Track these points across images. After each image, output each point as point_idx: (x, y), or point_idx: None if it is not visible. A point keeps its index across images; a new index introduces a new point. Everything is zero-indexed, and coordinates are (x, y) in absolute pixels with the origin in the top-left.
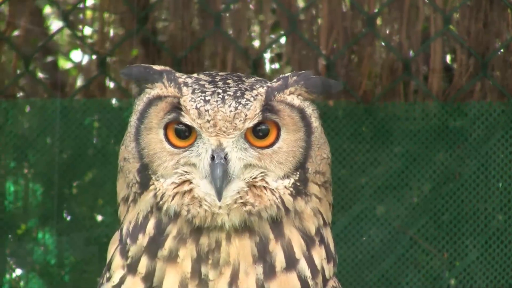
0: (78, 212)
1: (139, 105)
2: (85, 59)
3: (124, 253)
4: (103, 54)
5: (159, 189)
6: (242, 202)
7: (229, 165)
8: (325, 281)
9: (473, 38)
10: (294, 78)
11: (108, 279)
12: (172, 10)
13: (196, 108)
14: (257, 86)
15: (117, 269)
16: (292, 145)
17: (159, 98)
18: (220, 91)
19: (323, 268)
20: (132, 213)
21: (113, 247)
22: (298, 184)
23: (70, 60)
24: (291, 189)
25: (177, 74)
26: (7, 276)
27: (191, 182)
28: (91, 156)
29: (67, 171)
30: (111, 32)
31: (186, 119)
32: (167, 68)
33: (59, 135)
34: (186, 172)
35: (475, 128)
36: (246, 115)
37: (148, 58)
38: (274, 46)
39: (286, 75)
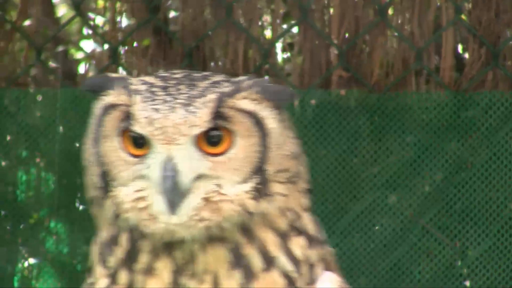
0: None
1: (97, 111)
2: (97, 49)
3: (103, 262)
4: (115, 43)
5: (117, 197)
6: (198, 218)
7: (179, 176)
8: (312, 267)
9: (484, 27)
10: (246, 83)
11: (91, 284)
12: (184, 0)
13: (146, 117)
14: (208, 92)
15: (101, 277)
16: (247, 150)
17: (112, 106)
18: (169, 98)
19: (307, 256)
20: (102, 219)
21: (95, 251)
22: (259, 186)
23: (81, 49)
24: (252, 192)
25: (131, 80)
26: (19, 265)
27: (145, 199)
28: None
29: (79, 160)
30: (123, 22)
31: (136, 127)
32: (123, 75)
33: (71, 124)
34: (141, 189)
35: (487, 117)
36: (194, 122)
37: (160, 48)
38: (285, 35)
39: (238, 79)
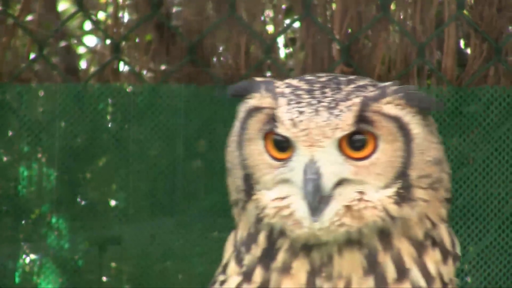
0: (91, 197)
1: (241, 114)
2: (99, 44)
3: (238, 260)
4: (117, 39)
5: (261, 201)
6: (340, 223)
7: (321, 180)
8: (444, 284)
9: (486, 22)
10: (393, 88)
11: (222, 282)
12: None
13: (290, 119)
14: (353, 96)
15: (233, 275)
16: (391, 155)
17: (257, 109)
18: (315, 101)
19: (440, 272)
20: (243, 221)
21: (229, 250)
22: (402, 191)
23: (83, 45)
24: (395, 197)
25: (276, 83)
26: (21, 261)
27: (289, 206)
28: (105, 141)
29: (81, 155)
30: (125, 17)
31: (280, 130)
32: (268, 79)
33: (73, 120)
34: (285, 196)
35: (488, 113)
36: (337, 125)
37: (162, 43)
38: (288, 31)
39: (384, 84)
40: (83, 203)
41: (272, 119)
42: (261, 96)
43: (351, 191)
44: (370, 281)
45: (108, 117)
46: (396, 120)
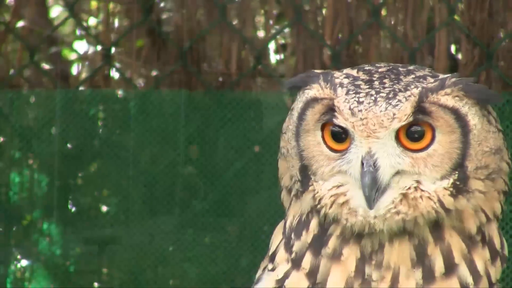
0: (83, 203)
1: (298, 105)
2: (90, 50)
3: (288, 247)
4: (108, 44)
5: (318, 192)
6: (395, 211)
7: (378, 172)
8: (491, 284)
9: (477, 28)
10: (453, 80)
11: (272, 270)
12: (177, 1)
13: (350, 109)
14: (412, 86)
15: (282, 262)
16: (448, 147)
17: (315, 100)
18: (373, 92)
19: (487, 272)
20: (295, 208)
21: (278, 238)
22: (458, 183)
23: (74, 51)
24: (451, 189)
25: (335, 74)
26: (12, 266)
27: (345, 195)
28: (96, 147)
29: (72, 161)
30: (116, 23)
31: (339, 120)
32: (327, 71)
33: (64, 125)
34: (341, 184)
35: None
36: (394, 114)
37: (153, 49)
38: (278, 36)
39: (444, 76)
40: (74, 209)
41: (331, 109)
42: (320, 87)
43: (408, 181)
44: (418, 274)
45: (99, 123)
46: (454, 111)
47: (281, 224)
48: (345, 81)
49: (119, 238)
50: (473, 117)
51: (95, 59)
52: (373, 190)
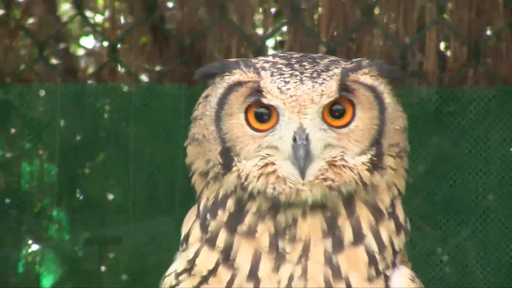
0: (90, 192)
1: (217, 90)
2: (97, 46)
3: (204, 227)
4: (114, 41)
5: (243, 171)
6: (323, 178)
7: (311, 145)
8: (395, 253)
9: (466, 26)
10: (367, 61)
11: (183, 251)
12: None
13: (278, 88)
14: (332, 67)
15: (195, 242)
16: (367, 123)
17: (239, 83)
18: (297, 73)
19: (392, 242)
20: (211, 190)
21: (190, 221)
22: (374, 159)
23: (82, 47)
24: (368, 164)
25: (253, 60)
26: (24, 251)
27: (274, 164)
28: (103, 138)
29: (80, 152)
30: (121, 20)
31: (267, 100)
32: (242, 59)
33: (73, 118)
34: (268, 154)
35: (467, 112)
36: (323, 91)
37: (156, 45)
38: (277, 33)
39: (359, 59)
40: (82, 197)
41: (257, 91)
42: (243, 71)
43: (335, 152)
44: (328, 243)
45: (106, 116)
46: (373, 89)
47: (192, 209)
48: (266, 65)
49: (124, 225)
50: (388, 96)
51: (101, 54)
52: (307, 161)
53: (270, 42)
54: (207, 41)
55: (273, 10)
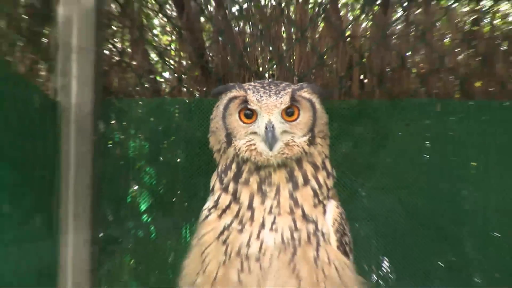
0: None
1: (223, 101)
2: (171, 77)
3: (221, 181)
4: (179, 74)
5: (237, 146)
6: (282, 153)
7: (275, 131)
8: (327, 189)
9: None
10: (306, 84)
11: (213, 194)
12: (216, 50)
13: (257, 99)
14: (287, 88)
15: (217, 190)
16: (307, 119)
17: (235, 97)
18: (267, 91)
19: (326, 183)
20: (223, 159)
21: (214, 179)
22: (310, 139)
23: (162, 77)
24: (307, 142)
25: (244, 84)
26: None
27: (255, 144)
28: (175, 139)
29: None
30: (184, 63)
31: (251, 106)
32: (237, 83)
33: (157, 122)
34: (252, 139)
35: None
36: (282, 101)
37: (203, 76)
38: (270, 70)
39: (302, 83)
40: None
41: (245, 101)
42: (237, 90)
43: (288, 136)
44: (290, 185)
45: (176, 116)
46: (309, 100)
47: (215, 173)
48: (250, 87)
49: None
50: (317, 104)
51: (173, 82)
52: (273, 141)
53: (266, 75)
54: (232, 74)
55: (268, 56)
